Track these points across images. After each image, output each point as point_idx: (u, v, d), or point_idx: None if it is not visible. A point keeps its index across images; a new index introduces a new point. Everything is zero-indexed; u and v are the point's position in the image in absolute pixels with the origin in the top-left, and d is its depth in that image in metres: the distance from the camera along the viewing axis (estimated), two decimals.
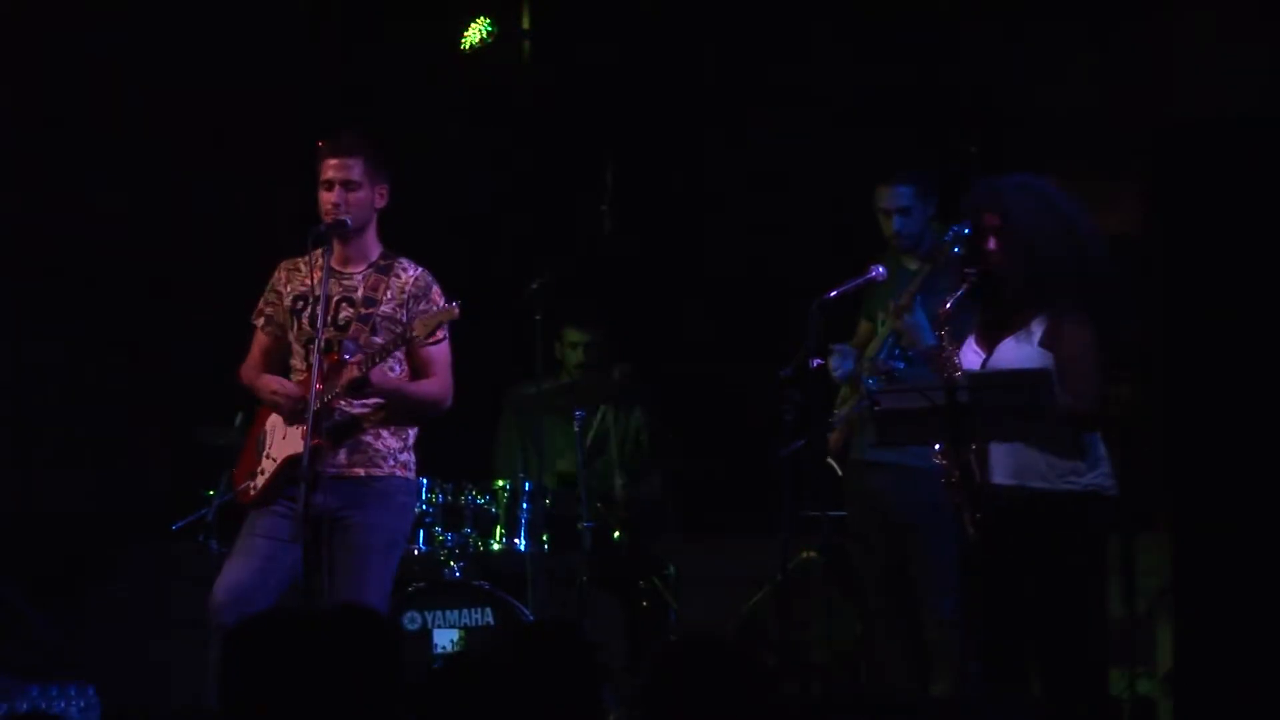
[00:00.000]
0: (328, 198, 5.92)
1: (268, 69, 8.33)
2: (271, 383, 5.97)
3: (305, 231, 5.95)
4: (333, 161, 5.93)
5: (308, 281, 6.00)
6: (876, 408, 5.56)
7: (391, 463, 5.93)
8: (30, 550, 7.92)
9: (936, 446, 5.52)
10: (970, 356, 5.58)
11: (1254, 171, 6.36)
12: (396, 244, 6.08)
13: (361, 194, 5.93)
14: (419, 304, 5.91)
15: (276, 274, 6.10)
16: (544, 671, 3.96)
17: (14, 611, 7.48)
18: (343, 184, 5.92)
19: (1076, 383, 5.39)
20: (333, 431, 5.81)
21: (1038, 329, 5.50)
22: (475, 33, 8.28)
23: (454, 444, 6.75)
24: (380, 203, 5.99)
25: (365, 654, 3.89)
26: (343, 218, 5.89)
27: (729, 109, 8.49)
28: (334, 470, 5.82)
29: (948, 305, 5.56)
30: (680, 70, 8.45)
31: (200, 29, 8.25)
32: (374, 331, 5.89)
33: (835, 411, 6.69)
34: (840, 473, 6.76)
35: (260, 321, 6.10)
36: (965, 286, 5.55)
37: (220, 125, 8.29)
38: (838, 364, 6.57)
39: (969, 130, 7.38)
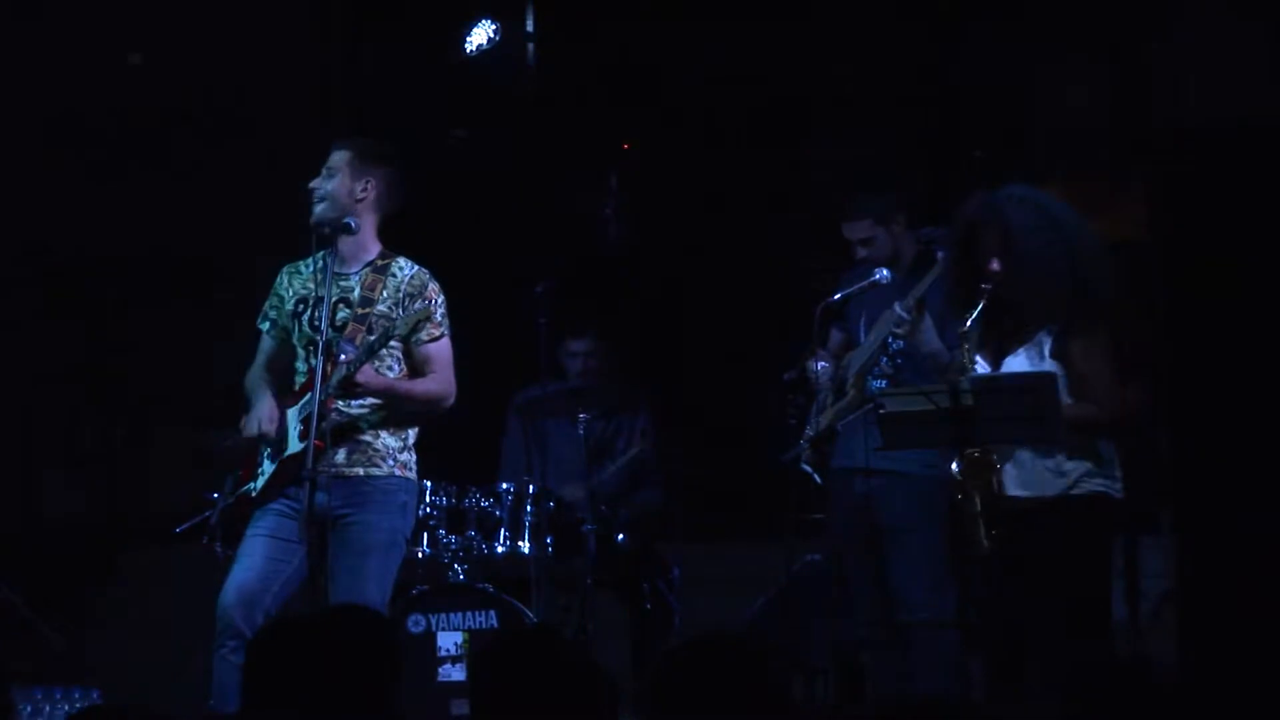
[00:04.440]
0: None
1: (268, 69, 8.33)
2: (262, 410, 5.95)
3: (308, 231, 5.96)
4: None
5: (309, 284, 6.00)
6: (881, 411, 5.54)
7: (390, 462, 5.90)
8: (34, 554, 7.92)
9: (954, 466, 5.47)
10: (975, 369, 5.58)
11: (1258, 175, 6.36)
12: (400, 246, 6.08)
13: (335, 182, 5.93)
14: (414, 303, 5.87)
15: (279, 277, 6.10)
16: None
17: (18, 616, 7.47)
18: (325, 169, 5.97)
19: (1098, 392, 5.39)
20: (330, 433, 5.78)
21: (1045, 342, 5.49)
22: (480, 35, 8.29)
23: (458, 446, 6.75)
24: (363, 195, 5.96)
25: (363, 653, 3.87)
26: (315, 204, 5.91)
27: (731, 112, 8.49)
28: (333, 470, 5.79)
29: (968, 324, 5.51)
30: (683, 73, 8.46)
31: (201, 28, 8.26)
32: (370, 331, 5.86)
33: (818, 418, 6.58)
34: (819, 481, 6.66)
35: (265, 326, 6.10)
36: (982, 303, 5.50)
37: (224, 125, 8.30)
38: (824, 368, 6.49)
39: (972, 133, 7.38)
